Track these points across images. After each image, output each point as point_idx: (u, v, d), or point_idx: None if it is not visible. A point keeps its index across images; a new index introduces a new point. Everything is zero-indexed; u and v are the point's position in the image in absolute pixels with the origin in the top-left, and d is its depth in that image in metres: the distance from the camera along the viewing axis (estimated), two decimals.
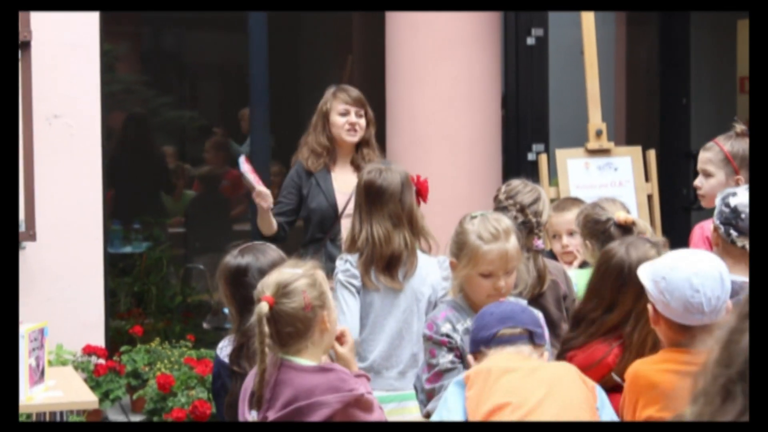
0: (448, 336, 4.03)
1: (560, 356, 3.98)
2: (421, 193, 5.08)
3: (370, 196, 4.87)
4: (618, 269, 3.81)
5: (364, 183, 4.92)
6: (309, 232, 5.94)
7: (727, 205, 4.01)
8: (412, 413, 4.62)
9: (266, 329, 3.36)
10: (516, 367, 3.41)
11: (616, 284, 3.74)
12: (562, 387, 3.36)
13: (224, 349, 4.08)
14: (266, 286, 3.46)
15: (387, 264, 4.83)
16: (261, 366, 3.39)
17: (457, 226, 4.18)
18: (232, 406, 3.99)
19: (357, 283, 4.85)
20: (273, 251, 4.11)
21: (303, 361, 3.43)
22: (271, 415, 3.39)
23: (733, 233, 3.96)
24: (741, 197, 4.00)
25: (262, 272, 3.97)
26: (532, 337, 3.52)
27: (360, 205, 4.92)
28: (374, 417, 3.44)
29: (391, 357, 4.87)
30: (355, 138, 5.91)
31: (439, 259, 4.89)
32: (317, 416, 3.32)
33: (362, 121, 5.93)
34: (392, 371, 4.86)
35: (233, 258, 4.08)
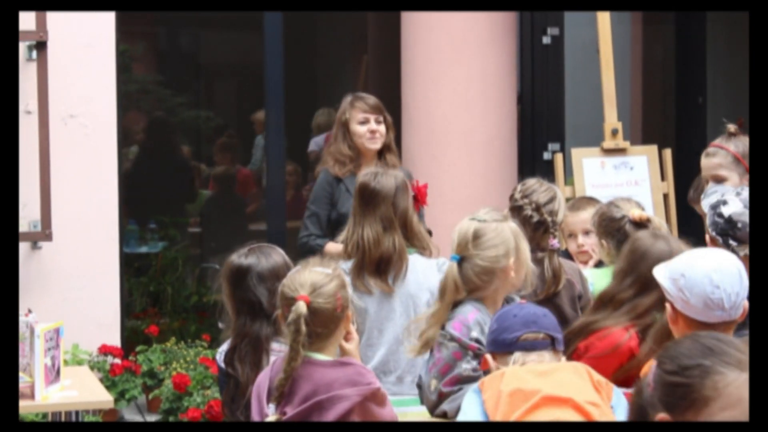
0: (478, 341, 4.00)
1: (574, 342, 3.96)
2: (419, 197, 5.06)
3: (364, 199, 4.88)
4: (660, 254, 3.82)
5: (358, 186, 4.94)
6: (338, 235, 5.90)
7: (720, 215, 3.99)
8: (409, 419, 4.60)
9: (303, 328, 3.38)
10: (530, 370, 3.40)
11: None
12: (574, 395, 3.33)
13: (223, 353, 4.11)
14: (300, 285, 3.47)
15: (377, 267, 4.82)
16: (292, 364, 3.40)
17: (483, 237, 4.11)
18: (227, 404, 4.01)
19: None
20: (278, 255, 4.12)
21: (321, 356, 3.44)
22: (290, 410, 3.40)
23: (733, 243, 3.95)
24: (733, 206, 3.97)
25: (261, 276, 4.00)
26: (553, 343, 3.47)
27: (355, 208, 4.92)
28: (387, 410, 3.47)
29: (389, 362, 4.86)
30: (377, 145, 5.92)
31: (438, 261, 4.87)
32: (337, 409, 3.34)
33: (382, 128, 5.93)
34: (390, 376, 4.85)
35: (237, 257, 4.11)
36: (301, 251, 5.92)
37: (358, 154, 5.94)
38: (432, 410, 4.08)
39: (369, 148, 5.92)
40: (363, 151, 5.94)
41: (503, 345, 3.48)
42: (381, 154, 5.98)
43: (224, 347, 4.14)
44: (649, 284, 3.77)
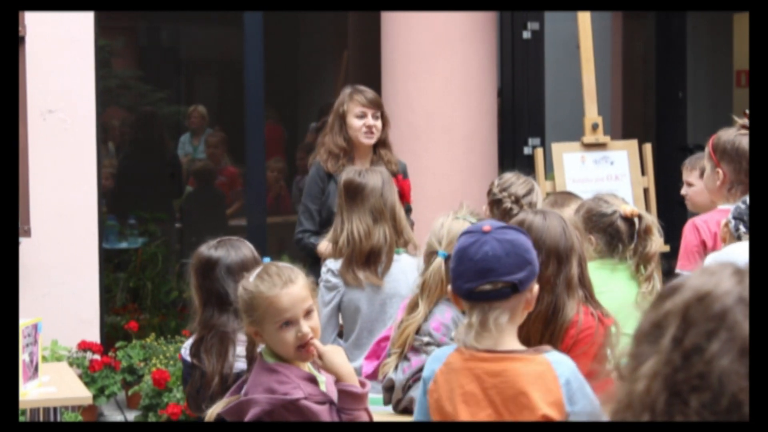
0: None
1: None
2: (404, 192, 5.06)
3: (350, 194, 4.87)
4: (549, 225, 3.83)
5: (343, 183, 4.93)
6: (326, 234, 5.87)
7: (744, 201, 4.02)
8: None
9: None
10: (478, 369, 3.18)
11: None
12: (512, 408, 3.21)
13: (188, 348, 4.11)
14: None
15: (366, 259, 4.81)
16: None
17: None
18: (192, 397, 4.01)
19: (330, 295, 4.83)
20: (247, 249, 4.12)
21: (267, 357, 3.43)
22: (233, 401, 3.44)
23: (741, 228, 3.95)
24: None
25: (230, 269, 4.00)
26: (516, 287, 3.19)
27: (341, 206, 4.91)
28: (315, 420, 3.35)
29: None
30: (372, 140, 5.87)
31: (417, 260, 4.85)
32: (250, 413, 3.31)
33: (379, 123, 5.88)
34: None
35: (207, 249, 4.11)
36: (297, 247, 5.91)
37: (353, 148, 5.90)
38: (396, 404, 4.05)
39: (363, 142, 5.87)
40: (357, 144, 5.90)
41: (460, 292, 3.21)
42: (375, 148, 5.94)
43: (189, 341, 4.14)
44: (560, 256, 3.71)
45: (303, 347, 3.37)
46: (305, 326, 3.36)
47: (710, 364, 1.44)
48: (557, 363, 3.16)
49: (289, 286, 3.38)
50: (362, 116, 5.85)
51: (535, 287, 3.24)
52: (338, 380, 3.40)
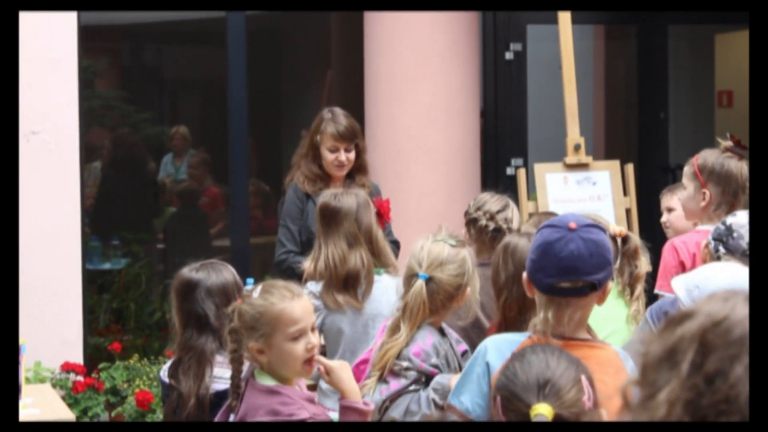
0: (436, 367, 3.98)
1: None
2: (382, 213, 5.07)
3: (325, 219, 4.89)
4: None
5: (319, 208, 4.95)
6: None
7: (724, 223, 4.05)
8: None
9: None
10: None
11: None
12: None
13: (167, 369, 4.13)
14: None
15: (344, 284, 4.82)
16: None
17: (454, 262, 4.01)
18: (168, 417, 4.03)
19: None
20: (228, 273, 4.14)
21: (263, 380, 3.43)
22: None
23: (721, 250, 3.97)
24: (739, 218, 4.03)
25: (210, 292, 4.02)
26: (594, 286, 3.26)
27: (318, 230, 4.93)
28: None
29: None
30: (342, 172, 5.92)
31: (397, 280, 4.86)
32: None
33: (351, 155, 5.90)
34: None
35: (188, 271, 4.13)
36: (279, 269, 5.89)
37: (327, 174, 5.94)
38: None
39: (335, 174, 5.92)
40: (330, 173, 5.94)
41: (538, 284, 3.29)
42: (351, 174, 5.97)
43: (169, 363, 4.16)
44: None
45: (307, 362, 3.41)
46: (314, 338, 3.43)
47: (736, 387, 1.44)
48: (624, 356, 3.27)
49: (298, 298, 3.45)
50: (334, 150, 5.88)
51: (609, 284, 3.32)
52: (343, 397, 3.46)
